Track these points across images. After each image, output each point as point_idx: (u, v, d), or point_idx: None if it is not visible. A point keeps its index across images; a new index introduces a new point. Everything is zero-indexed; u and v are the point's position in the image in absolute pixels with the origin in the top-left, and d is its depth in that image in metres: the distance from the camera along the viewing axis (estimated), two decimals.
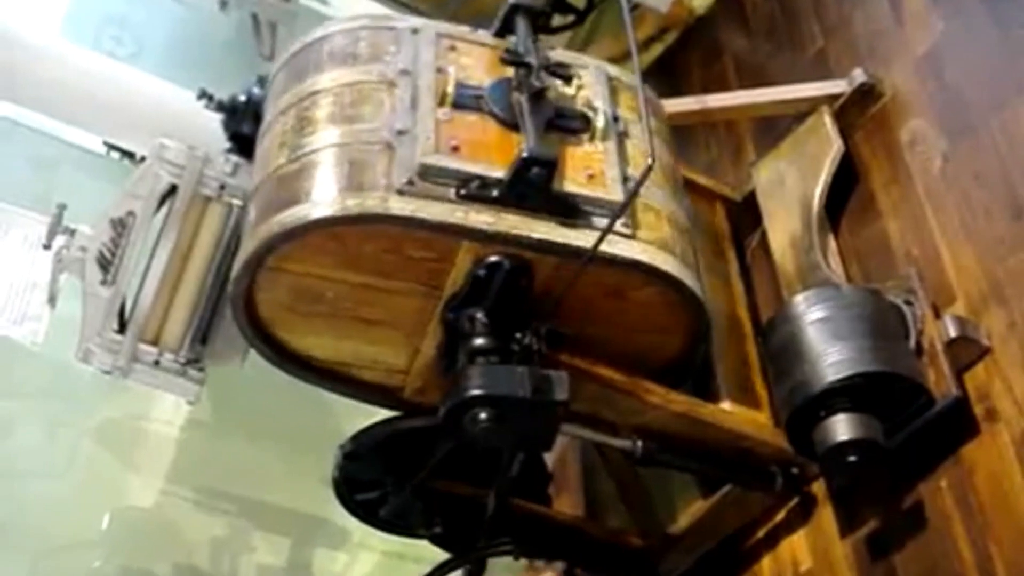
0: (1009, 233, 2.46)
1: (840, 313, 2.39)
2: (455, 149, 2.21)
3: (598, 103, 2.39)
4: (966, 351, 2.39)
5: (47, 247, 2.65)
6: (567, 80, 2.36)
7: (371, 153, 2.21)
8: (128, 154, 3.74)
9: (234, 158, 2.62)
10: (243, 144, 2.62)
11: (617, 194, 2.24)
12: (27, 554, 3.38)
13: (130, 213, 2.60)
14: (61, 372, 3.34)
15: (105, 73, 3.75)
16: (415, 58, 2.37)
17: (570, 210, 2.22)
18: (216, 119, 2.66)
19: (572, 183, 2.24)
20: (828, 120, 2.96)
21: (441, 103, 2.27)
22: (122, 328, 2.63)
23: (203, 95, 2.64)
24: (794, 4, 3.48)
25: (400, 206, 2.13)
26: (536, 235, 2.17)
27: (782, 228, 2.92)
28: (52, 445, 3.61)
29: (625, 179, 2.28)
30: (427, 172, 2.16)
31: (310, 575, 3.65)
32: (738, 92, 3.32)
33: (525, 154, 2.15)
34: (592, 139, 2.33)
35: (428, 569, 2.88)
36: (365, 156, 2.20)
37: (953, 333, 2.38)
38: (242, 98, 2.62)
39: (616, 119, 2.39)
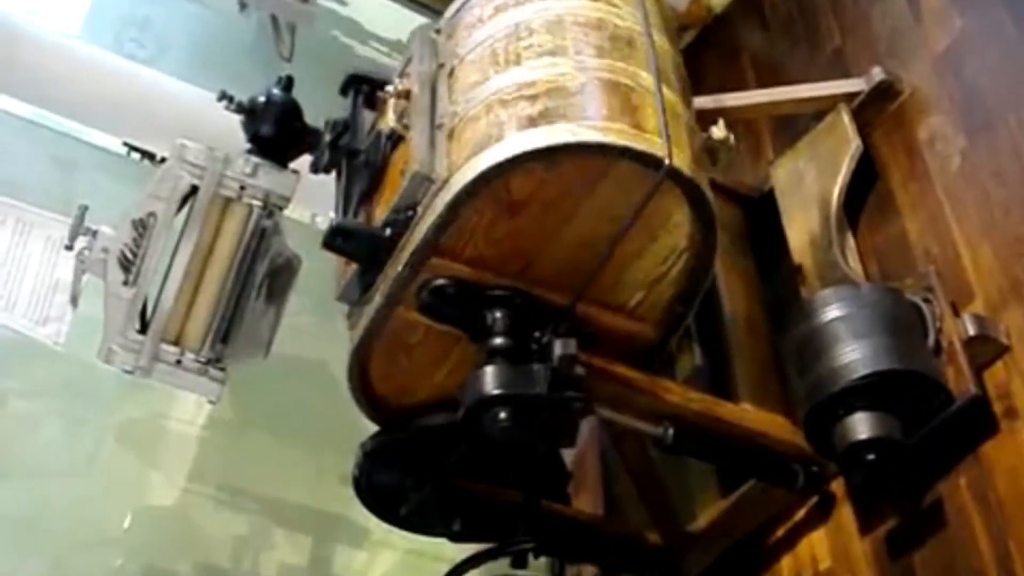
0: None
1: (859, 311, 2.39)
2: None
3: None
4: (985, 349, 2.38)
5: (69, 248, 2.66)
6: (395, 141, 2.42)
7: None
8: (149, 155, 3.76)
9: (254, 159, 2.63)
10: (263, 145, 2.64)
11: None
12: (49, 553, 3.40)
13: (151, 214, 2.62)
14: (83, 371, 3.35)
15: (125, 74, 3.77)
16: None
17: None
18: (236, 120, 2.68)
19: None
20: (846, 118, 2.95)
21: None
22: (144, 328, 2.64)
23: (223, 96, 2.65)
24: (812, 2, 3.48)
25: None
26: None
27: (801, 227, 2.92)
28: (74, 444, 3.62)
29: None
30: None
31: (331, 573, 3.66)
32: (756, 91, 3.31)
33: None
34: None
35: (448, 568, 2.90)
36: None
37: (972, 331, 2.38)
38: (262, 99, 2.64)
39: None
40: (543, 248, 2.30)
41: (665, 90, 2.29)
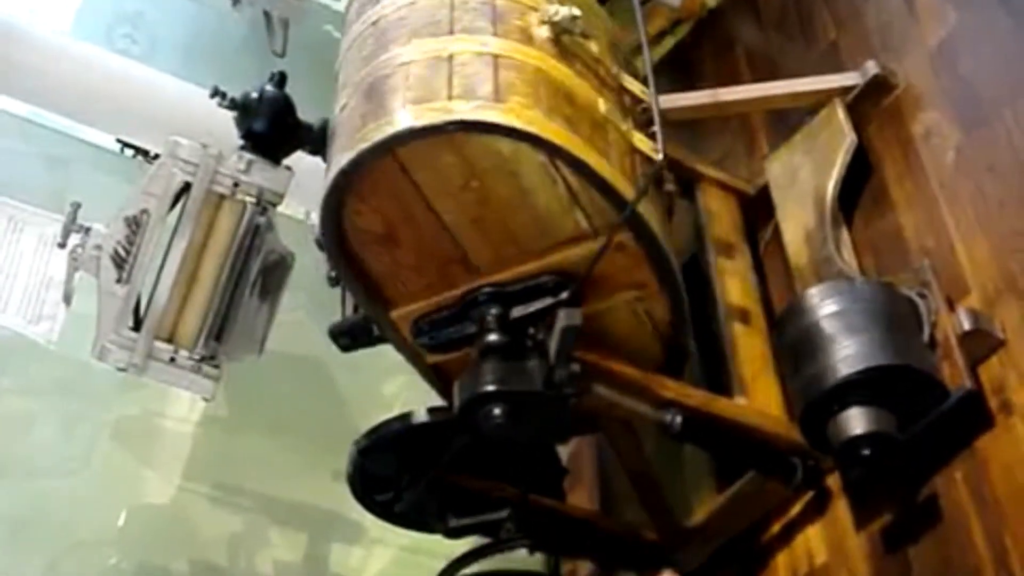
0: (1023, 224, 2.45)
1: (853, 306, 2.39)
2: None
3: None
4: (980, 344, 2.38)
5: (62, 245, 2.66)
6: None
7: None
8: (142, 152, 3.76)
9: (247, 155, 2.62)
10: (256, 141, 2.63)
11: None
12: (45, 551, 3.40)
13: (144, 211, 2.61)
14: (77, 370, 3.35)
15: (118, 71, 3.77)
16: None
17: None
18: (229, 116, 2.67)
19: None
20: (841, 113, 2.95)
21: None
22: (137, 326, 2.63)
23: (216, 93, 2.65)
24: None
25: None
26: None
27: (795, 221, 2.92)
28: (69, 442, 3.62)
29: None
30: None
31: (326, 570, 3.66)
32: (751, 85, 3.32)
33: None
34: None
35: (443, 564, 2.90)
36: None
37: (967, 326, 2.37)
38: (255, 95, 2.63)
39: None
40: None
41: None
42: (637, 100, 2.53)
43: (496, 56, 2.24)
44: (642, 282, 2.32)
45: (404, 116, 2.18)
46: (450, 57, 2.26)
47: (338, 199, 2.28)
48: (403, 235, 2.35)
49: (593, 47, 2.45)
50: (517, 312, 2.32)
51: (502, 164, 2.20)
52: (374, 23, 2.43)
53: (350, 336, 2.56)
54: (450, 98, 2.17)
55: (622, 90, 2.50)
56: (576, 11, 2.33)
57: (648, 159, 2.40)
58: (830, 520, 2.62)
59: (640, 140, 2.37)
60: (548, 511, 2.81)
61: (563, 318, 2.17)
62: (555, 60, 2.31)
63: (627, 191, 2.22)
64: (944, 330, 2.39)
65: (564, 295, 2.27)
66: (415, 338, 2.42)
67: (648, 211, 2.29)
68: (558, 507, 2.86)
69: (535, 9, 2.34)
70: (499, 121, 2.14)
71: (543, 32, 2.32)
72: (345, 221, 2.33)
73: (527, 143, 2.16)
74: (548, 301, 2.30)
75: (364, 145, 2.18)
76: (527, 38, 2.30)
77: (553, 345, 2.21)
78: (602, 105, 2.35)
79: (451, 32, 2.30)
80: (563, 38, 2.33)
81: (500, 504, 2.66)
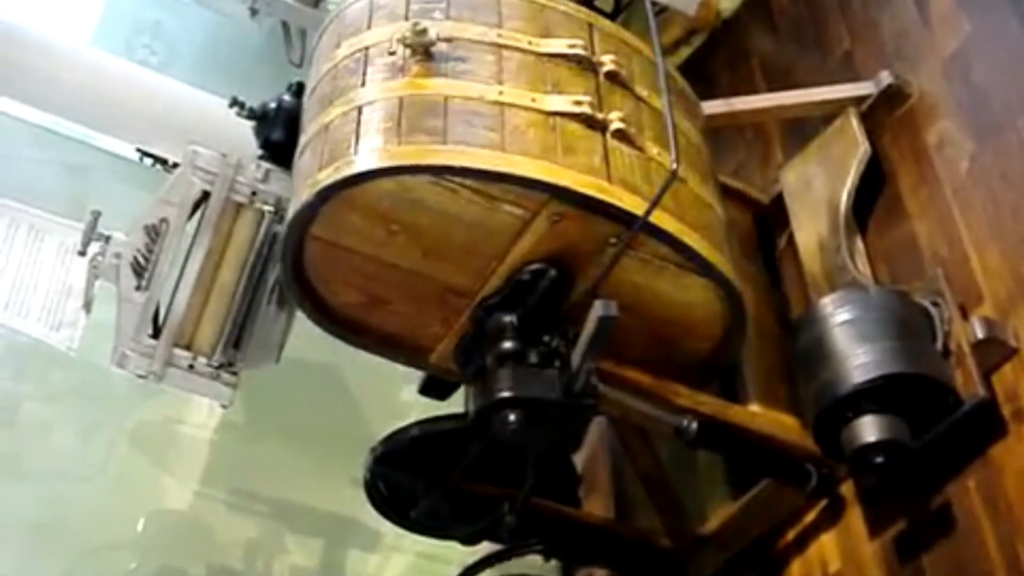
0: None
1: (867, 315, 2.40)
2: None
3: None
4: (993, 352, 2.38)
5: (82, 254, 2.68)
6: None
7: None
8: (161, 160, 3.78)
9: (265, 165, 2.65)
10: (274, 151, 2.66)
11: None
12: (64, 556, 3.42)
13: (163, 220, 2.63)
14: (96, 376, 3.38)
15: (137, 80, 3.79)
16: None
17: None
18: (248, 126, 2.70)
19: None
20: (855, 122, 2.95)
21: None
22: (156, 333, 2.66)
23: (235, 103, 2.68)
24: (821, 6, 3.48)
25: None
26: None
27: (810, 230, 2.93)
28: (88, 448, 3.65)
29: None
30: None
31: None
32: (765, 95, 3.32)
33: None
34: None
35: (459, 570, 2.91)
36: None
37: (980, 334, 2.38)
38: (273, 105, 2.66)
39: None
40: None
41: None
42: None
43: (360, 107, 2.28)
44: (613, 234, 2.26)
45: (297, 199, 2.28)
46: (325, 128, 2.32)
47: (307, 289, 2.40)
48: (383, 293, 2.41)
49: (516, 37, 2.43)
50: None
51: (400, 199, 2.23)
52: (312, 92, 2.51)
53: (437, 390, 2.66)
54: (320, 169, 2.24)
55: (640, 102, 2.50)
56: (425, 23, 2.32)
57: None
58: (844, 528, 2.62)
59: (660, 155, 2.37)
60: (563, 518, 2.82)
61: (599, 308, 2.14)
62: (424, 77, 2.29)
63: (532, 168, 2.19)
64: (957, 338, 2.40)
65: (544, 283, 2.28)
66: (462, 368, 2.44)
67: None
68: (572, 514, 2.87)
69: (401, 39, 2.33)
70: (352, 172, 2.19)
71: (408, 56, 2.31)
72: (331, 304, 2.42)
73: (394, 176, 2.20)
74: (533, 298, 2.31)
75: (283, 240, 2.33)
76: (398, 69, 2.31)
77: (585, 337, 2.19)
78: (508, 92, 2.30)
79: (331, 102, 2.36)
80: (432, 50, 2.32)
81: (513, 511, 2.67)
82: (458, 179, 2.19)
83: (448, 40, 2.34)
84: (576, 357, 2.22)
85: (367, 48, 2.40)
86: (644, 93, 2.48)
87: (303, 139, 2.40)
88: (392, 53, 2.32)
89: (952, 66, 2.87)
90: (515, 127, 2.25)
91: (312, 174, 2.26)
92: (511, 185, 2.19)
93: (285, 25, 4.11)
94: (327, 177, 2.21)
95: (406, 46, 2.30)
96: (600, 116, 2.32)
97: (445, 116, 2.23)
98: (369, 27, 2.44)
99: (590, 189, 2.19)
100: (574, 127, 2.29)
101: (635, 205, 2.21)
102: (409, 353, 2.52)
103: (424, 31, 2.29)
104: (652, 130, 2.41)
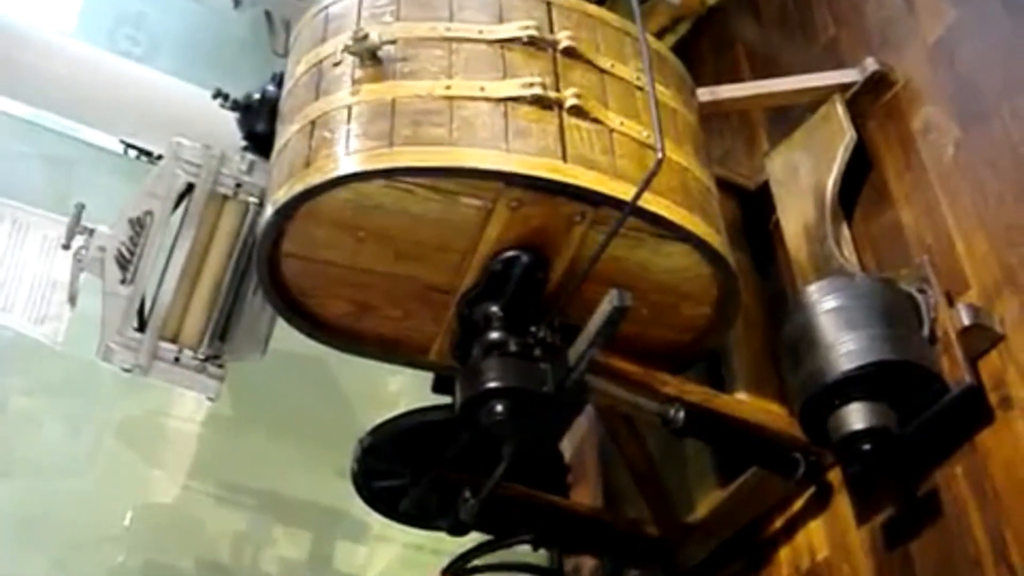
0: (1022, 220, 2.46)
1: (853, 302, 2.40)
2: None
3: None
4: (980, 339, 2.39)
5: (66, 247, 2.66)
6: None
7: None
8: (145, 152, 3.77)
9: (250, 156, 2.63)
10: (258, 142, 2.64)
11: None
12: (51, 550, 3.41)
13: (148, 212, 2.62)
14: (82, 370, 3.36)
15: (120, 72, 3.78)
16: None
17: None
18: (231, 117, 2.69)
19: None
20: (841, 109, 2.96)
21: None
22: (142, 326, 2.64)
23: (218, 94, 2.66)
24: None
25: None
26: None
27: (796, 218, 2.93)
28: (75, 442, 3.64)
29: None
30: None
31: (331, 568, 3.68)
32: (751, 82, 3.33)
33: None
34: None
35: (448, 561, 2.91)
36: None
37: (967, 321, 2.38)
38: (257, 96, 2.64)
39: None
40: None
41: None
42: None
43: (313, 122, 2.30)
44: (578, 212, 2.25)
45: (262, 219, 2.32)
46: (284, 146, 2.35)
47: (294, 306, 2.44)
48: (369, 300, 2.43)
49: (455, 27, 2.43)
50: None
51: (360, 207, 2.24)
52: (280, 113, 2.53)
53: (449, 387, 2.60)
54: (279, 187, 2.27)
55: (604, 73, 2.48)
56: (368, 29, 2.31)
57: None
58: (831, 515, 2.63)
59: (624, 124, 2.36)
60: (551, 507, 2.82)
61: (613, 297, 2.13)
62: (371, 82, 2.30)
63: (479, 158, 2.19)
64: (944, 325, 2.40)
65: (518, 269, 2.27)
66: (461, 363, 2.43)
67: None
68: (561, 503, 2.87)
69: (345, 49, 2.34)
70: (304, 187, 2.21)
71: (356, 63, 2.32)
72: (322, 316, 2.46)
73: (347, 184, 2.21)
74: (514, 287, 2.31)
75: (256, 261, 2.37)
76: (347, 78, 2.32)
77: (593, 327, 2.18)
78: (456, 85, 2.30)
79: (292, 120, 2.38)
80: (379, 54, 2.32)
81: (503, 501, 2.67)
82: (409, 179, 2.20)
83: (393, 42, 2.35)
84: (581, 346, 2.22)
85: (321, 62, 2.41)
86: (607, 64, 2.47)
87: (272, 158, 2.42)
88: (337, 64, 2.34)
89: (937, 53, 2.87)
90: (463, 119, 2.24)
91: (274, 192, 2.29)
92: (462, 178, 2.20)
93: (268, 15, 4.10)
94: (284, 195, 2.23)
95: (352, 54, 2.30)
96: (554, 95, 2.31)
97: (392, 118, 2.23)
98: (324, 40, 2.45)
99: (541, 170, 2.19)
100: (526, 110, 2.28)
101: (593, 181, 2.21)
102: (407, 354, 2.54)
103: (365, 37, 2.29)
104: (617, 101, 2.40)
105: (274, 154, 2.41)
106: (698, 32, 4.01)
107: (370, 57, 2.31)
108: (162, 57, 4.31)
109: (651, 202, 2.23)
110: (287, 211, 2.25)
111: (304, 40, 2.54)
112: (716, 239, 2.34)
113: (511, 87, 2.30)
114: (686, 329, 2.51)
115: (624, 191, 2.20)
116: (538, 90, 2.29)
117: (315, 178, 2.21)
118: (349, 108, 2.27)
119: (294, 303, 2.44)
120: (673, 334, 2.51)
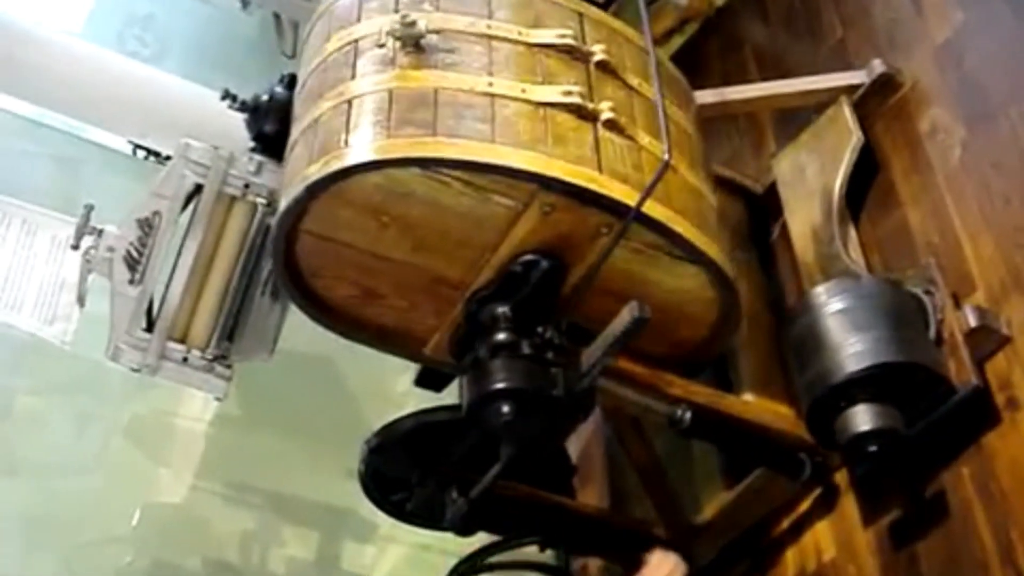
0: None
1: (860, 304, 2.40)
2: None
3: None
4: (986, 340, 2.39)
5: (75, 247, 2.68)
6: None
7: None
8: (153, 153, 3.78)
9: (258, 157, 2.64)
10: (267, 143, 2.65)
11: None
12: (59, 549, 3.42)
13: (156, 213, 2.63)
14: (91, 370, 3.38)
15: (129, 73, 3.78)
16: None
17: None
18: (239, 118, 2.69)
19: None
20: (848, 111, 2.96)
21: None
22: (150, 326, 2.65)
23: (227, 95, 2.67)
24: None
25: None
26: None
27: (803, 219, 2.93)
28: (83, 441, 3.65)
29: None
30: None
31: (339, 568, 3.69)
32: (758, 84, 3.32)
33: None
34: None
35: (455, 561, 2.92)
36: None
37: (973, 323, 2.38)
38: (265, 97, 2.65)
39: None
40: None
41: None
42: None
43: (350, 101, 2.28)
44: (605, 223, 2.26)
45: (288, 194, 2.27)
46: (315, 121, 2.31)
47: (301, 285, 2.41)
48: (377, 286, 2.42)
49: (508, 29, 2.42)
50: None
51: (390, 192, 2.23)
52: (302, 86, 2.52)
53: (432, 382, 2.69)
54: (310, 163, 2.24)
55: (632, 91, 2.50)
56: (414, 15, 2.30)
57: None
58: (838, 516, 2.63)
59: (651, 143, 2.37)
60: (558, 508, 2.82)
61: (634, 309, 2.14)
62: (414, 69, 2.29)
63: (522, 159, 2.19)
64: (950, 327, 2.40)
65: (537, 274, 2.28)
66: (457, 360, 2.44)
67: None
68: (568, 504, 2.88)
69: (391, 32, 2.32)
70: (341, 166, 2.19)
71: (398, 48, 2.31)
72: (326, 298, 2.44)
73: (384, 169, 2.19)
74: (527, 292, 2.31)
75: (273, 236, 2.32)
76: (388, 62, 2.31)
77: (609, 336, 2.19)
78: (498, 83, 2.30)
79: (321, 95, 2.35)
80: (422, 42, 2.31)
81: (509, 502, 2.67)
82: (448, 171, 2.20)
83: (437, 32, 2.34)
84: (596, 352, 2.23)
85: (357, 41, 2.39)
86: (635, 82, 2.47)
87: (294, 134, 2.40)
88: (381, 46, 2.32)
89: (945, 55, 2.87)
90: (505, 118, 2.24)
91: (302, 169, 2.26)
92: (501, 176, 2.19)
93: (277, 16, 4.10)
94: (316, 172, 2.20)
95: (396, 38, 2.29)
96: (591, 106, 2.31)
97: (435, 108, 2.22)
98: (359, 20, 2.44)
99: (580, 179, 2.19)
100: (564, 117, 2.28)
101: (625, 195, 2.21)
102: (404, 346, 2.53)
103: (413, 23, 2.28)
104: (644, 119, 2.41)
105: (299, 129, 2.37)
106: (706, 33, 4.01)
107: (413, 44, 2.30)
108: (170, 58, 4.33)
109: (673, 221, 2.25)
110: (318, 188, 2.21)
111: (337, 17, 2.50)
112: (724, 260, 2.36)
113: (551, 92, 2.30)
114: (679, 346, 2.52)
115: (654, 210, 2.22)
116: (577, 99, 2.30)
117: (353, 158, 2.19)
118: (390, 92, 2.25)
119: (301, 282, 2.42)
120: (666, 349, 2.51)
